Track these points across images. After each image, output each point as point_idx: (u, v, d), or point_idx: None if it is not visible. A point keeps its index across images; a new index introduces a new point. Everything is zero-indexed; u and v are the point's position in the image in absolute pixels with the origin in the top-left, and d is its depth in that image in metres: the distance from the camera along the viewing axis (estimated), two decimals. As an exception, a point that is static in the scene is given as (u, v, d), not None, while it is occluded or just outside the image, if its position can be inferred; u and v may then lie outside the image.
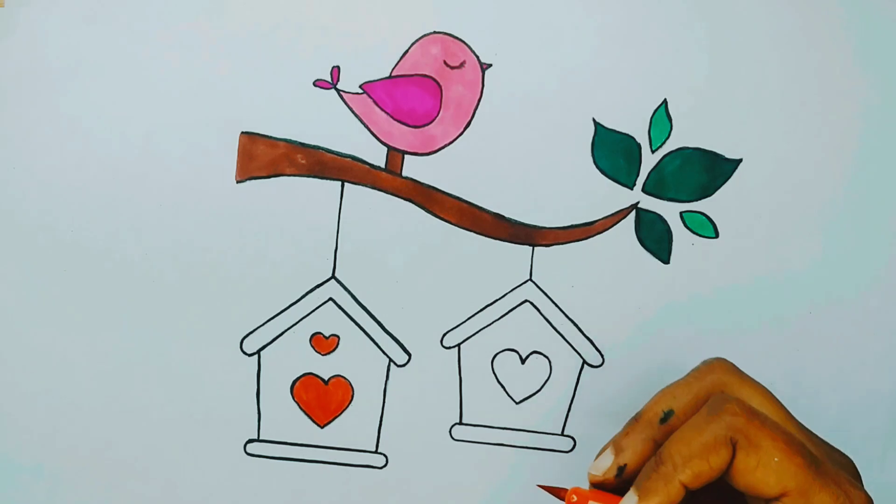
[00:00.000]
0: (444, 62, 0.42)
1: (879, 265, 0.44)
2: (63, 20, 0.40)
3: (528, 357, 0.44)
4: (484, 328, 0.44)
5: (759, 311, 0.44)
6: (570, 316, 0.44)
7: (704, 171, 0.43)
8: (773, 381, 0.39)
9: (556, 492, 0.36)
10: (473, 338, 0.44)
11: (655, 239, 0.44)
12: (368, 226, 0.42)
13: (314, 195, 0.42)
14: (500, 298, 0.43)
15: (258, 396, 0.43)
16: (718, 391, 0.35)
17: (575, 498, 0.35)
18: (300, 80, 0.41)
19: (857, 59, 0.43)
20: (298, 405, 0.44)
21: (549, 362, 0.44)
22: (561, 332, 0.44)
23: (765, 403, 0.35)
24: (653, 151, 0.43)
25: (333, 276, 0.43)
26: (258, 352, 0.43)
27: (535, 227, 0.43)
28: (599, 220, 0.43)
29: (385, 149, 0.42)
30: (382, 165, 0.42)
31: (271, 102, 0.41)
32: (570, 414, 0.45)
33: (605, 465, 0.35)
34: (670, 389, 0.36)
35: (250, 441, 0.44)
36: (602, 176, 0.43)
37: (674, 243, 0.44)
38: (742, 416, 0.33)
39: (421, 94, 0.42)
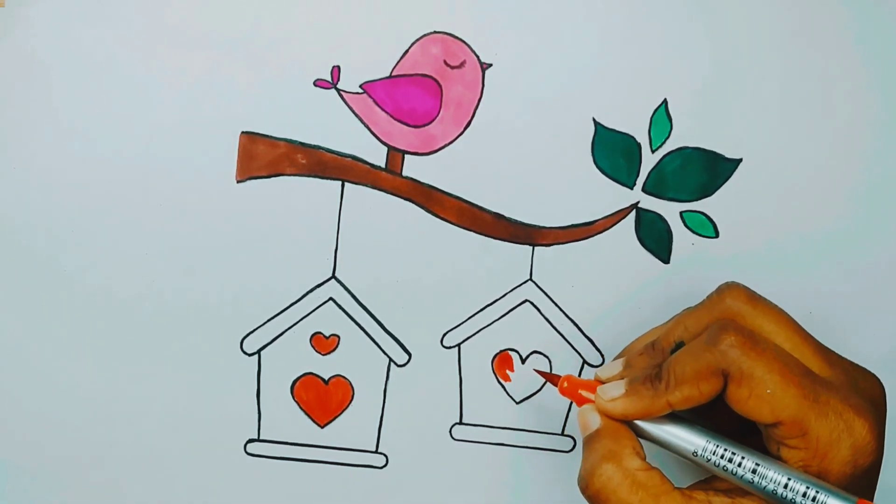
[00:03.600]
0: (445, 62, 0.42)
1: (879, 265, 0.44)
2: (63, 20, 0.40)
3: (528, 357, 0.44)
4: (484, 328, 0.44)
5: (759, 311, 0.44)
6: (570, 316, 0.44)
7: (704, 171, 0.43)
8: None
9: (550, 378, 0.39)
10: (473, 338, 0.44)
11: (655, 239, 0.44)
12: (368, 226, 0.42)
13: (314, 195, 0.42)
14: (500, 298, 0.43)
15: (258, 396, 0.43)
16: (728, 318, 0.35)
17: (566, 384, 0.38)
18: (300, 80, 0.41)
19: (857, 58, 0.43)
20: (298, 405, 0.44)
21: (550, 362, 0.44)
22: (561, 332, 0.44)
23: (779, 328, 0.35)
24: (653, 151, 0.43)
25: (333, 276, 0.43)
26: (258, 352, 0.43)
27: (535, 227, 0.43)
28: (599, 220, 0.43)
29: (385, 149, 0.42)
30: (382, 165, 0.42)
31: (271, 102, 0.41)
32: (571, 414, 0.44)
33: (611, 373, 0.38)
34: (683, 318, 0.37)
35: (250, 441, 0.44)
36: (602, 176, 0.43)
37: (674, 243, 0.44)
38: (737, 347, 0.33)
39: (421, 93, 0.42)
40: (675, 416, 0.35)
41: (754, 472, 0.33)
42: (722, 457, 0.34)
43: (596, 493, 0.34)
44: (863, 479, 0.33)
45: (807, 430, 0.33)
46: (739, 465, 0.33)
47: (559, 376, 0.38)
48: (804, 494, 0.32)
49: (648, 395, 0.35)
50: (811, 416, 0.33)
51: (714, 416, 0.36)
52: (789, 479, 0.32)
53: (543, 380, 0.44)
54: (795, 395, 0.33)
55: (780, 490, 0.32)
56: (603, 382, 0.37)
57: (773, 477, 0.33)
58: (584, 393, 0.37)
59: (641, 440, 0.36)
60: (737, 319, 0.35)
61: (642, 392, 0.35)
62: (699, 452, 0.34)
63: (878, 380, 0.36)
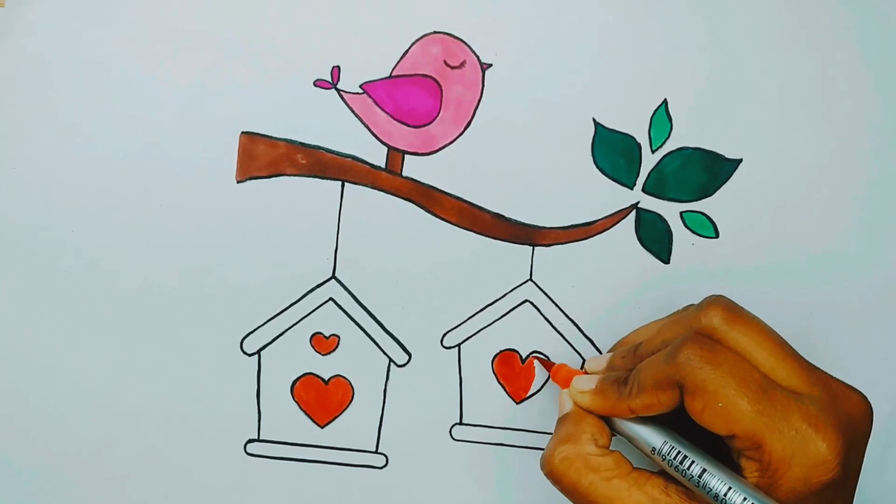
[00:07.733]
0: (445, 62, 0.42)
1: (880, 265, 0.44)
2: (63, 20, 0.40)
3: (528, 357, 0.44)
4: (484, 328, 0.44)
5: (759, 312, 0.44)
6: (570, 316, 0.44)
7: (704, 171, 0.43)
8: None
9: (546, 364, 0.43)
10: (473, 338, 0.44)
11: (655, 239, 0.44)
12: (368, 226, 0.42)
13: (314, 195, 0.42)
14: (500, 298, 0.43)
15: (258, 396, 0.43)
16: (695, 332, 0.36)
17: (560, 372, 0.41)
18: (300, 80, 0.41)
19: (857, 58, 0.43)
20: (298, 405, 0.44)
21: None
22: (561, 332, 0.44)
23: (759, 344, 0.35)
24: (653, 151, 0.43)
25: (333, 276, 0.43)
26: (258, 352, 0.43)
27: (535, 227, 0.43)
28: (599, 220, 0.43)
29: (385, 149, 0.42)
30: (382, 165, 0.42)
31: (271, 102, 0.41)
32: (570, 414, 0.44)
33: (598, 367, 0.40)
34: (664, 328, 0.38)
35: (250, 441, 0.44)
36: (602, 176, 0.43)
37: (674, 243, 0.44)
38: (693, 361, 0.34)
39: (421, 94, 0.42)
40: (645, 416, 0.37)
41: (700, 476, 0.34)
42: (675, 458, 0.35)
43: (550, 472, 0.36)
44: (816, 497, 0.33)
45: (761, 443, 0.33)
46: (689, 467, 0.35)
47: (553, 364, 0.42)
48: None
49: (613, 396, 0.37)
50: (765, 431, 0.33)
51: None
52: (729, 488, 0.33)
53: (543, 380, 0.44)
54: (748, 409, 0.33)
55: (721, 498, 0.33)
56: (588, 373, 0.40)
57: (714, 485, 0.34)
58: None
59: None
60: (713, 334, 0.36)
61: (608, 393, 0.37)
62: (656, 450, 0.36)
63: (862, 398, 0.36)
